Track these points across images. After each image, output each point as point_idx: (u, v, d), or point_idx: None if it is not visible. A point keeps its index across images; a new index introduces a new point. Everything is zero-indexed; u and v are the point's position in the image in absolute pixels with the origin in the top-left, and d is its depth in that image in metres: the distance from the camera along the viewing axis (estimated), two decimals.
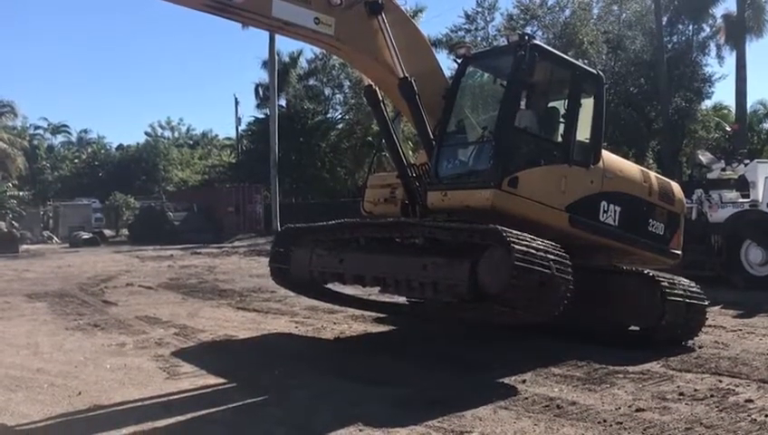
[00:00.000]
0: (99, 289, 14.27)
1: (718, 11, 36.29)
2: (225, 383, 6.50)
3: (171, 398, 6.03)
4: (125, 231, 43.20)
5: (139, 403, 5.84)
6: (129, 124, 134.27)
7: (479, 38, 37.84)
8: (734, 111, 37.39)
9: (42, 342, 8.50)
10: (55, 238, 40.34)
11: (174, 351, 7.88)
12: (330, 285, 8.79)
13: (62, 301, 12.45)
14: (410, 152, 16.02)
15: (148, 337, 8.74)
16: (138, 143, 71.59)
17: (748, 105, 36.24)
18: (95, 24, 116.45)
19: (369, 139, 39.55)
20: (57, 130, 75.62)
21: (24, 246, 31.60)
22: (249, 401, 5.90)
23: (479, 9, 38.70)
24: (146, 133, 76.26)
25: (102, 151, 69.78)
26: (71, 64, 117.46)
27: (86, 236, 35.66)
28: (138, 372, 6.90)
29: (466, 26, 39.08)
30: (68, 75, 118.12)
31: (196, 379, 6.59)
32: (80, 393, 6.07)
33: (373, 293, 8.93)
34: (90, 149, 70.39)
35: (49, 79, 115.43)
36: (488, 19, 38.84)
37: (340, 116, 48.86)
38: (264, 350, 8.18)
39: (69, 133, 77.00)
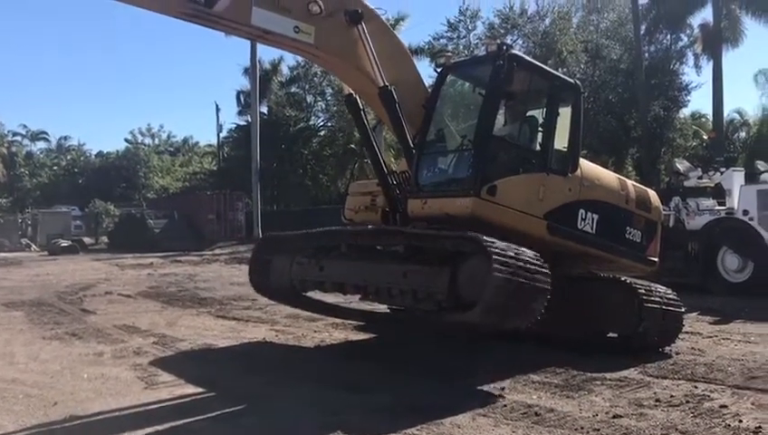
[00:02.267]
0: (77, 298, 14.13)
1: (695, 20, 36.83)
2: (204, 393, 6.46)
3: (149, 408, 5.98)
4: (105, 239, 42.80)
5: (117, 414, 5.78)
6: (109, 131, 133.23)
7: (461, 46, 38.10)
8: (711, 120, 37.91)
9: (17, 351, 8.39)
10: (33, 246, 39.87)
11: (152, 360, 7.81)
12: (310, 294, 8.78)
13: (40, 310, 12.30)
14: (393, 160, 16.08)
15: (127, 346, 8.66)
16: (118, 150, 71.17)
17: (725, 114, 36.79)
18: (75, 30, 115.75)
19: (352, 146, 39.69)
20: (36, 136, 74.95)
21: (2, 254, 31.21)
22: (228, 410, 5.87)
23: (461, 18, 38.98)
24: (126, 140, 75.89)
25: (82, 158, 69.19)
26: (50, 70, 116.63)
27: (65, 243, 35.23)
28: (115, 381, 6.83)
29: (448, 34, 39.36)
30: (47, 81, 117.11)
31: (174, 388, 6.54)
32: (55, 404, 6.00)
33: (354, 301, 8.95)
34: (69, 156, 69.78)
35: (28, 85, 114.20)
36: (470, 27, 39.15)
37: (322, 123, 48.99)
38: (243, 358, 8.15)
39: (48, 140, 76.41)
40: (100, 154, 72.20)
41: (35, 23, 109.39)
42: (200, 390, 6.53)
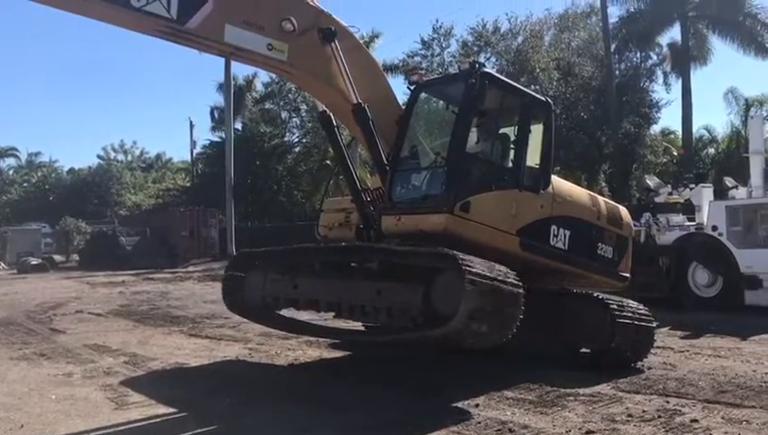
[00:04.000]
0: (47, 317, 13.90)
1: (664, 39, 37.56)
2: (175, 413, 6.37)
3: (119, 429, 5.88)
4: (76, 256, 42.17)
5: None
6: (81, 147, 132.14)
7: (435, 64, 38.33)
8: (680, 137, 38.55)
9: None
10: (2, 264, 39.16)
11: (123, 380, 7.70)
12: (284, 311, 8.72)
13: (8, 330, 12.08)
14: (368, 175, 16.09)
15: (97, 366, 8.53)
16: (90, 166, 70.38)
17: (694, 131, 37.48)
18: (47, 46, 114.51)
19: (327, 162, 39.63)
20: (5, 153, 73.87)
21: None
22: (200, 430, 5.80)
23: (435, 35, 39.27)
24: (98, 156, 75.15)
25: (53, 175, 68.28)
26: (20, 86, 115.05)
27: (35, 261, 34.67)
28: (85, 402, 6.72)
29: (422, 52, 39.58)
30: (17, 98, 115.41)
31: (145, 409, 6.45)
32: (22, 426, 5.88)
33: (329, 318, 8.90)
34: (40, 173, 68.80)
35: None
36: (444, 45, 39.41)
37: (297, 139, 48.88)
38: (216, 378, 8.04)
39: (18, 157, 75.35)
40: (71, 171, 71.36)
41: (3, 38, 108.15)
42: (172, 410, 6.44)
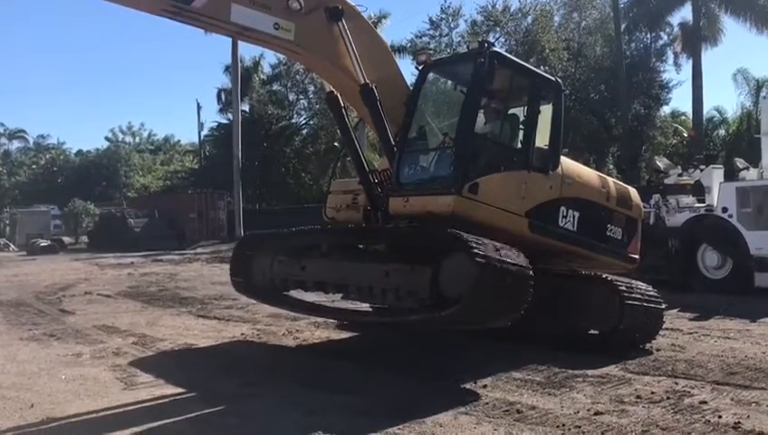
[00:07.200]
0: (56, 298, 13.99)
1: (675, 19, 37.14)
2: (183, 393, 6.39)
3: (128, 409, 5.91)
4: (85, 238, 42.39)
5: (94, 415, 5.71)
6: (89, 129, 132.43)
7: (443, 44, 38.06)
8: (690, 118, 38.24)
9: None
10: (12, 246, 39.43)
11: (132, 360, 7.73)
12: (292, 293, 8.72)
13: (18, 310, 12.16)
14: (376, 157, 16.04)
15: (106, 347, 8.57)
16: (98, 149, 70.54)
17: (704, 112, 37.14)
18: (54, 28, 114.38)
19: (335, 144, 39.56)
20: (13, 135, 74.11)
21: None
22: (207, 410, 5.81)
23: (443, 15, 38.96)
24: (107, 138, 75.35)
25: (61, 157, 68.44)
26: (28, 68, 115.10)
27: (44, 243, 34.90)
28: (94, 382, 6.75)
29: (431, 32, 39.31)
30: (25, 80, 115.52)
31: (153, 389, 6.48)
32: (32, 406, 5.91)
33: (336, 299, 8.91)
34: (48, 155, 69.00)
35: (4, 84, 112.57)
36: (452, 25, 39.14)
37: (304, 121, 48.86)
38: (224, 358, 8.08)
39: (26, 139, 75.57)
40: (79, 153, 71.60)
41: (12, 20, 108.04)
42: (180, 390, 6.46)
